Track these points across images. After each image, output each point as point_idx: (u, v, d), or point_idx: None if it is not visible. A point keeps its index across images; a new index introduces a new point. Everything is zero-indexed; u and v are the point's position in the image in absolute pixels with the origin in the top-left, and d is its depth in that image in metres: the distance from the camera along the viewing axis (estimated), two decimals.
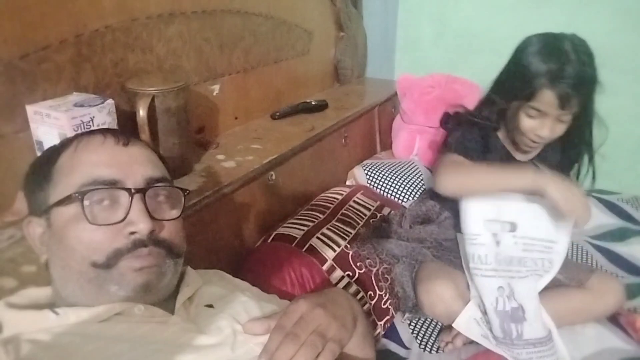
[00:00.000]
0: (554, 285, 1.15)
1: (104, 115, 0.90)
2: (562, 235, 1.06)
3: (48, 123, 0.84)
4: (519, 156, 1.20)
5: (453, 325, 1.08)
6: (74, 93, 0.93)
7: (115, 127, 0.93)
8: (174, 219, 0.65)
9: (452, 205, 1.26)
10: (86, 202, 0.58)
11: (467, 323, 1.07)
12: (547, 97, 1.00)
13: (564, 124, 1.06)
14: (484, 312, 1.08)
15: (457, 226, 1.20)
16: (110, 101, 0.92)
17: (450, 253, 1.19)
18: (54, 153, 0.65)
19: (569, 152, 1.19)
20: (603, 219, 1.62)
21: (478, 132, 1.17)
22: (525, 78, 1.03)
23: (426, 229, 1.25)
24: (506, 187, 1.02)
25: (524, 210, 1.06)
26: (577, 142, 1.15)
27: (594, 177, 1.19)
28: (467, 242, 1.08)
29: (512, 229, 1.06)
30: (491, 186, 1.04)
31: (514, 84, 1.07)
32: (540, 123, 1.04)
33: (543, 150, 1.20)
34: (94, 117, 0.88)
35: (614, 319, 1.17)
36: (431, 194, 1.37)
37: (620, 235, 1.53)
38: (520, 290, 1.05)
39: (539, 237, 1.06)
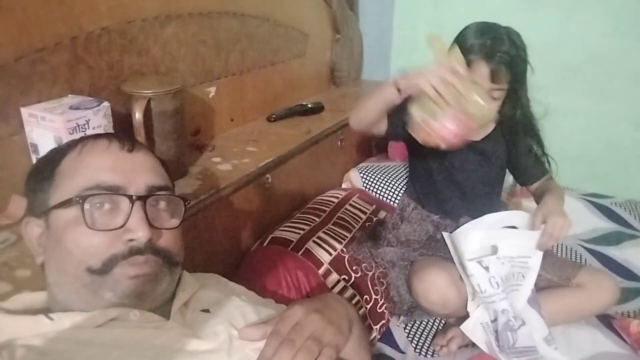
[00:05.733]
0: (546, 286, 1.16)
1: (99, 118, 0.90)
2: (534, 251, 1.11)
3: (43, 126, 0.84)
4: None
5: (461, 327, 1.09)
6: (70, 95, 0.92)
7: (111, 130, 0.92)
8: (173, 228, 0.64)
9: (414, 195, 1.31)
10: (86, 206, 0.58)
11: (474, 327, 1.09)
12: (481, 69, 1.04)
13: (495, 102, 1.08)
14: (493, 320, 1.09)
15: (423, 216, 1.22)
16: (106, 104, 0.91)
17: (438, 250, 1.20)
18: (58, 154, 0.64)
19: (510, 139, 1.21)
20: (597, 223, 1.62)
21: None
22: (462, 52, 1.06)
23: (399, 232, 1.26)
24: (379, 95, 1.05)
25: (502, 233, 1.12)
26: (514, 130, 1.17)
27: (548, 163, 1.22)
28: (463, 276, 1.11)
29: (493, 252, 1.09)
30: (371, 101, 1.08)
31: None
32: None
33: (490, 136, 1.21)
34: (89, 119, 0.87)
35: (608, 323, 1.18)
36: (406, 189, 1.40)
37: (614, 239, 1.54)
38: (517, 304, 1.07)
39: (516, 255, 1.10)
